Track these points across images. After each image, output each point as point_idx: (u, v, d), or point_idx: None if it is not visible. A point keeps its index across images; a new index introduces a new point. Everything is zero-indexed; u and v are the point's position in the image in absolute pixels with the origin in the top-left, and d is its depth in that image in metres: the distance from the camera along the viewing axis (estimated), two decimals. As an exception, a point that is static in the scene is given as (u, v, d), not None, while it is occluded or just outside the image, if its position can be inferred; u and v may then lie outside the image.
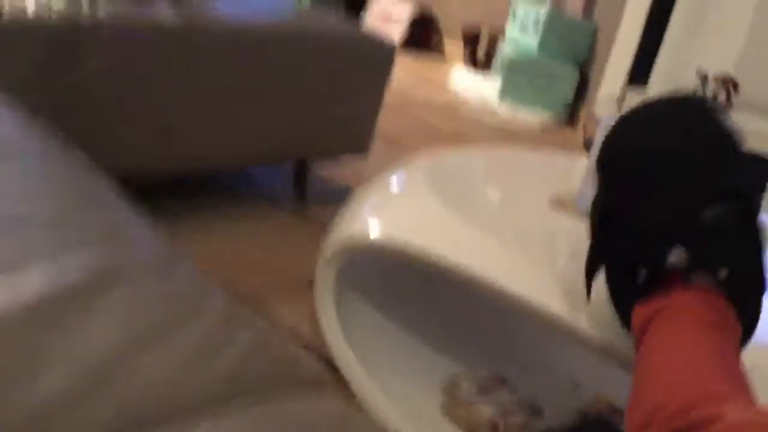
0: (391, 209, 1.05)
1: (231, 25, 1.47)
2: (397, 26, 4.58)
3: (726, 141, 0.67)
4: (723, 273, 0.62)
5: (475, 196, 1.11)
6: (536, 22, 3.48)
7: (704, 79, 2.68)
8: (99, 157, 0.71)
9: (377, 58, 1.75)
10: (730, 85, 2.67)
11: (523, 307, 0.80)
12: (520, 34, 3.66)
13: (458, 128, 2.97)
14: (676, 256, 0.62)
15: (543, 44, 3.44)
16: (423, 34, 4.62)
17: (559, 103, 3.44)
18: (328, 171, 2.04)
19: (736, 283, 0.62)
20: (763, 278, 0.63)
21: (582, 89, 3.62)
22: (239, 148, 1.59)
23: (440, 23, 4.64)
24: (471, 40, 4.18)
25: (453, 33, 4.50)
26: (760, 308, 0.64)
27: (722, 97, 2.67)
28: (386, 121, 2.82)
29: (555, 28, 3.44)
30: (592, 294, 0.69)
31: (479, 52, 4.17)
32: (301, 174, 1.80)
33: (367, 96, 1.77)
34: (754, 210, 0.65)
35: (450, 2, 4.56)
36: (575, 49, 3.51)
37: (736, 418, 0.46)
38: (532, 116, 3.37)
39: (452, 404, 1.01)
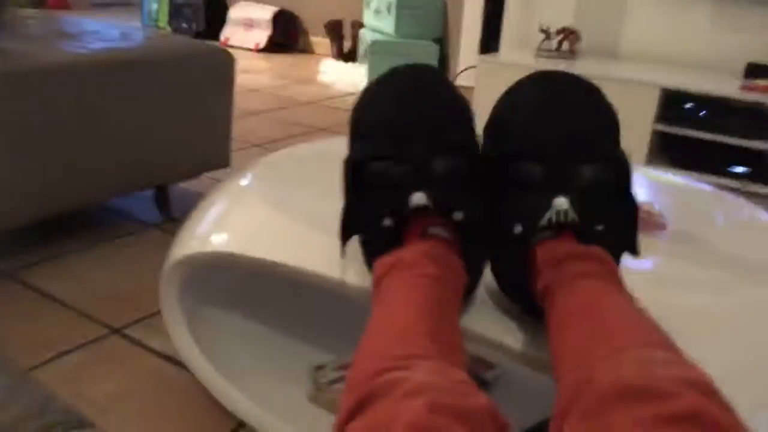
0: (219, 218, 1.06)
1: (50, 63, 1.44)
2: (262, 30, 4.56)
3: (454, 102, 0.73)
4: (458, 216, 0.67)
5: (305, 190, 1.13)
6: (389, 6, 3.55)
7: (547, 33, 2.81)
8: None
9: (217, 69, 1.75)
10: (572, 35, 2.81)
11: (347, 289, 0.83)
12: (377, 19, 3.72)
13: (332, 120, 3.00)
14: (418, 199, 0.66)
15: (398, 25, 3.51)
16: (289, 35, 4.62)
17: (424, 79, 3.53)
18: (192, 183, 2.03)
19: (467, 223, 0.68)
20: (485, 220, 0.70)
21: (444, 62, 3.71)
22: (93, 186, 1.56)
23: (304, 22, 4.65)
24: (335, 34, 4.22)
25: (318, 30, 4.52)
26: (485, 252, 0.70)
27: (566, 47, 2.80)
28: (259, 127, 2.83)
29: (407, 7, 3.52)
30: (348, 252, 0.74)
31: (344, 44, 4.21)
32: (162, 196, 1.78)
33: (215, 110, 1.77)
34: (477, 160, 0.71)
35: (309, 0, 4.58)
36: (430, 26, 3.60)
37: (420, 380, 0.47)
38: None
39: (317, 391, 1.03)
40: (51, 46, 1.54)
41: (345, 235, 0.72)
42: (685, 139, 2.39)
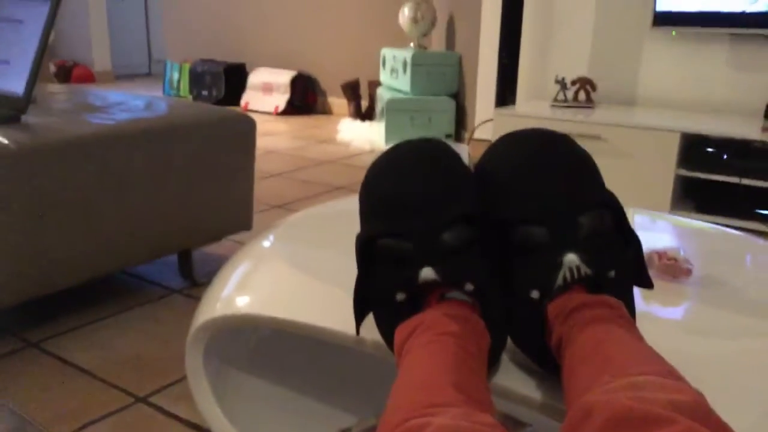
0: (243, 281, 1.06)
1: (76, 135, 1.47)
2: (281, 94, 4.66)
3: (458, 172, 0.73)
4: (469, 287, 0.67)
5: (326, 249, 1.13)
6: (404, 64, 3.62)
7: (563, 83, 2.83)
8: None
9: (238, 134, 1.78)
10: (587, 85, 2.83)
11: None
12: (392, 77, 3.78)
13: (351, 179, 3.03)
14: (426, 274, 0.66)
15: (414, 83, 3.57)
16: (307, 97, 4.71)
17: (441, 134, 3.57)
18: (215, 246, 2.04)
19: (479, 293, 0.67)
20: (495, 287, 0.69)
21: (461, 117, 3.75)
22: (117, 254, 1.58)
23: (322, 84, 4.75)
24: (352, 94, 4.29)
25: (335, 91, 4.61)
26: (503, 316, 0.70)
27: (582, 96, 2.82)
28: (279, 188, 2.86)
29: (422, 64, 3.58)
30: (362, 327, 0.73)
31: (362, 104, 4.28)
32: (185, 261, 1.80)
33: (237, 174, 1.79)
34: (485, 228, 0.70)
35: (326, 63, 4.68)
36: (446, 82, 3.66)
37: (442, 424, 0.46)
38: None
39: (344, 454, 1.01)
40: (77, 119, 1.58)
41: (359, 312, 0.72)
42: (709, 184, 2.36)
